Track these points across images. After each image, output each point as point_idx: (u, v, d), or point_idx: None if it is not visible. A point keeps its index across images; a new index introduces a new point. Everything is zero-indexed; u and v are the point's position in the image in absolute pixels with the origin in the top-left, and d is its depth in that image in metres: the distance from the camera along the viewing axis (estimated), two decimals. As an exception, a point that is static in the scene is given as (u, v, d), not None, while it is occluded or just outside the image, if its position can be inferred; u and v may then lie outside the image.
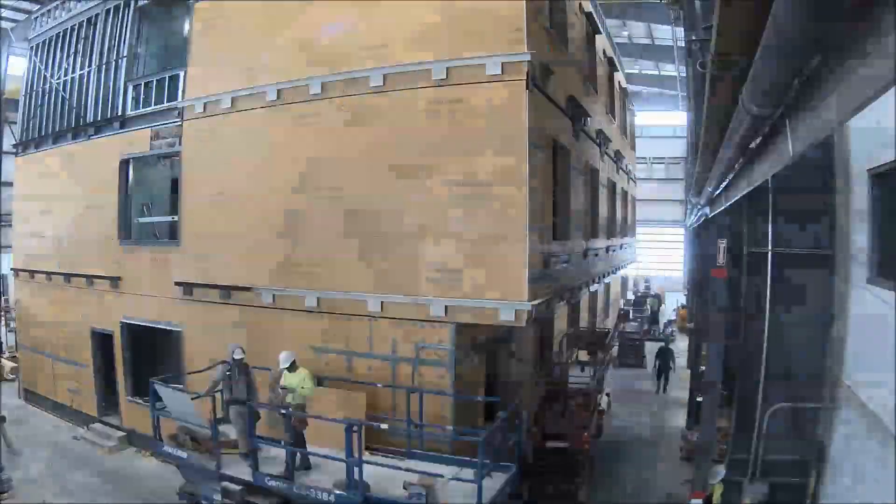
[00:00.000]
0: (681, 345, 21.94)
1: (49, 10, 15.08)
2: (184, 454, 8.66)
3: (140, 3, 12.65)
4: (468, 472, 7.42)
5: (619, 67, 19.16)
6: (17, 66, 20.16)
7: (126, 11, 12.90)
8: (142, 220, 13.05)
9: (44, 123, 14.84)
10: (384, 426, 8.31)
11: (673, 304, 30.45)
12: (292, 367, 8.24)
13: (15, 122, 16.27)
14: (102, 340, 13.23)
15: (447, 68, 8.52)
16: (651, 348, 20.03)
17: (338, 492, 7.41)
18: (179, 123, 11.37)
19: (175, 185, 12.21)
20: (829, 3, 1.73)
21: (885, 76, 1.68)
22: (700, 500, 8.83)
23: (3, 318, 20.12)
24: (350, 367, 9.41)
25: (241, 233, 10.45)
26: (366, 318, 9.22)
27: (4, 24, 22.29)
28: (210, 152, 10.95)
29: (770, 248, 8.61)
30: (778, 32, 2.00)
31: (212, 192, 10.83)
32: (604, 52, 16.51)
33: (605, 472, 11.47)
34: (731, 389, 9.55)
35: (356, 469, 7.21)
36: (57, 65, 14.66)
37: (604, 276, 17.29)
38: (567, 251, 11.01)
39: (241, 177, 10.48)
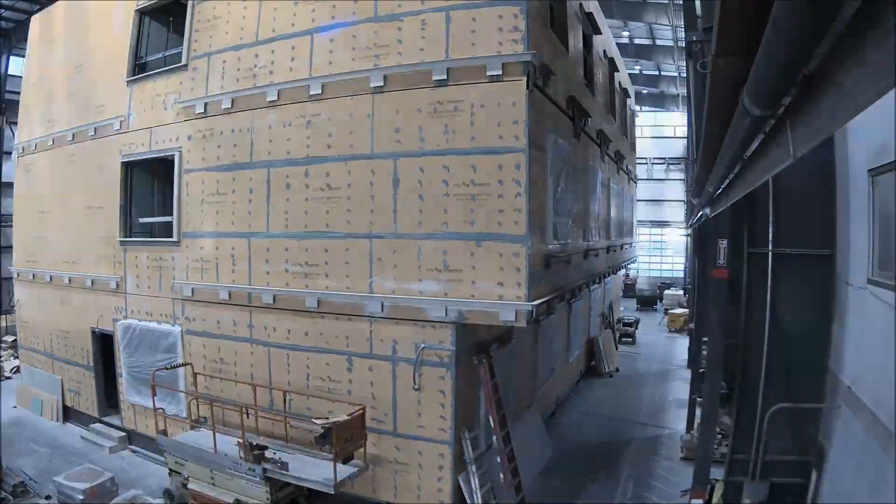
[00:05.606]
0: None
1: None
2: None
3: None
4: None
5: (619, 68, 19.16)
6: (18, 66, 20.15)
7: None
8: (142, 220, 13.05)
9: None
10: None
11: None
12: None
13: (16, 123, 16.22)
14: (102, 340, 13.25)
15: (447, 68, 8.53)
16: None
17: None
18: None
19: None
20: (830, 4, 1.74)
21: (886, 77, 1.69)
22: (700, 501, 8.83)
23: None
24: (350, 367, 9.43)
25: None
26: (365, 318, 9.23)
27: (5, 25, 22.32)
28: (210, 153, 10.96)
29: (770, 248, 8.62)
30: (778, 33, 2.00)
31: (211, 192, 10.84)
32: (604, 53, 16.51)
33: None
34: (731, 389, 9.55)
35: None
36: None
37: (604, 276, 17.29)
38: (567, 251, 11.01)
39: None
